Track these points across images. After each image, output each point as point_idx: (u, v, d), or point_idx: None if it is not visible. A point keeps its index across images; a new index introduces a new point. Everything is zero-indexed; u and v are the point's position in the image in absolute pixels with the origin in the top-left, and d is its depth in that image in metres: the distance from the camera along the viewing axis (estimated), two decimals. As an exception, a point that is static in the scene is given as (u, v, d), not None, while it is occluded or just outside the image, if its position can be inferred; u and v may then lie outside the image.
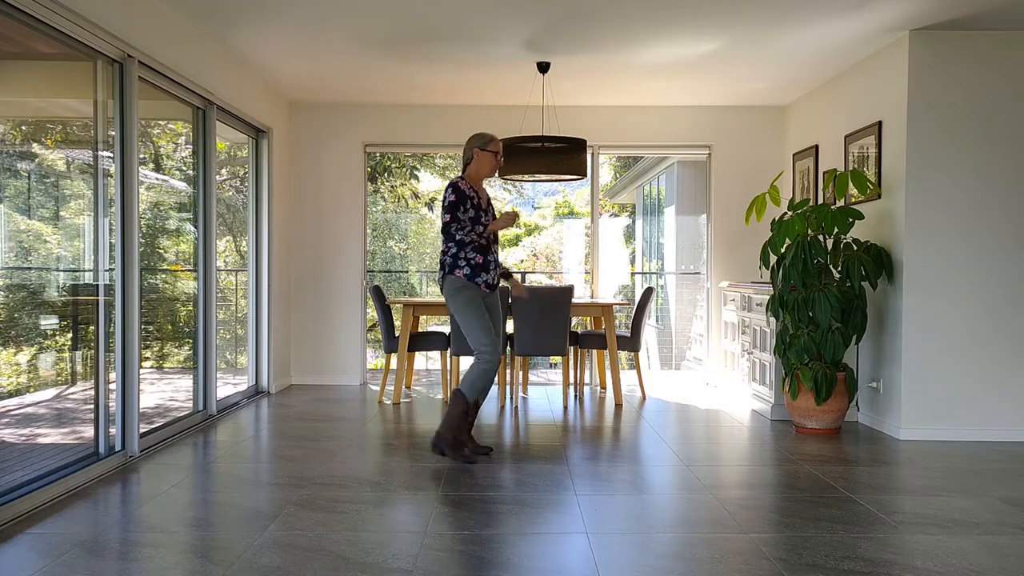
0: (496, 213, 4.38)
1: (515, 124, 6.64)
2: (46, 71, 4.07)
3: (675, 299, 10.87)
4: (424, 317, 7.40)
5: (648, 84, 6.12)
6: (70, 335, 4.05)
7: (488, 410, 5.71)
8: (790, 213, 5.01)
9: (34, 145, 4.06)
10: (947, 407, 4.78)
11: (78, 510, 3.28)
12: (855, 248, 4.89)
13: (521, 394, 6.34)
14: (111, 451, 4.02)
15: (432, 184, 13.24)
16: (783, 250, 4.97)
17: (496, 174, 4.56)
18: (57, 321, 4.01)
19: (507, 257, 14.90)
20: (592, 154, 6.91)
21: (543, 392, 6.61)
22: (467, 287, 4.17)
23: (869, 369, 5.20)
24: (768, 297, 5.16)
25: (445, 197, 4.17)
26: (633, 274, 13.33)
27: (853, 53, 5.23)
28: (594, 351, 6.63)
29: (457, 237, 4.13)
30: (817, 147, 6.12)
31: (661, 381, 7.32)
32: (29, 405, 3.94)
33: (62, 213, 4.13)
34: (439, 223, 4.31)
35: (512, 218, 4.16)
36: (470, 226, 4.13)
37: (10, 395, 3.81)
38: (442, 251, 4.22)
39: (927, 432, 4.76)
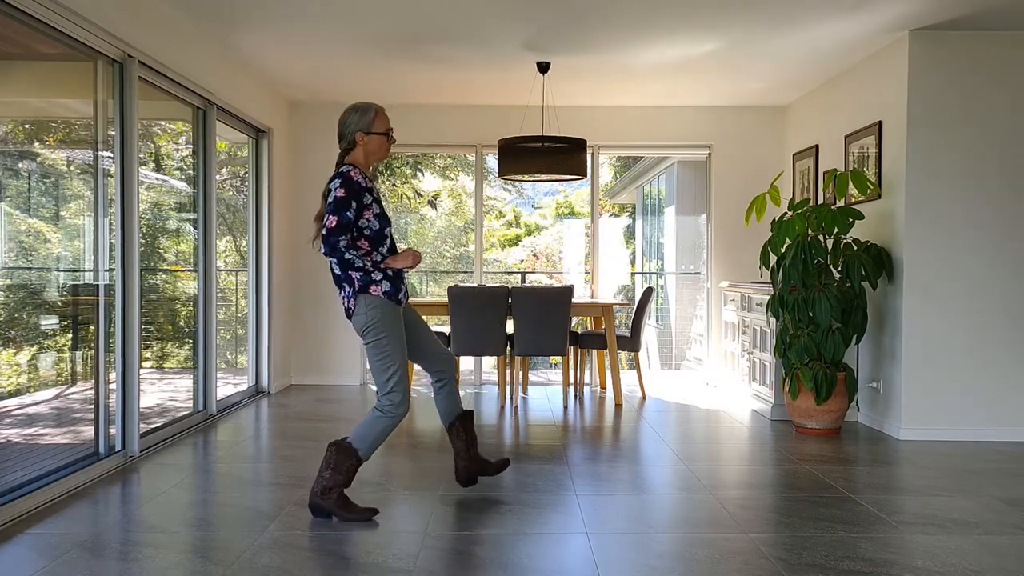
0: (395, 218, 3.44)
1: (515, 124, 6.64)
2: (46, 71, 4.07)
3: (675, 299, 10.87)
4: (424, 317, 7.39)
5: (648, 84, 6.12)
6: (70, 335, 4.05)
7: (488, 410, 5.72)
8: (790, 213, 5.01)
9: (35, 145, 4.07)
10: (947, 407, 4.78)
11: (78, 510, 3.28)
12: (855, 248, 4.89)
13: (521, 394, 6.34)
14: (111, 451, 4.02)
15: (432, 184, 13.24)
16: (783, 250, 4.97)
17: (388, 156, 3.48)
18: (57, 321, 4.02)
19: (507, 257, 14.89)
20: (592, 154, 6.91)
21: (543, 392, 6.61)
22: (386, 307, 3.16)
23: (869, 369, 5.19)
24: (768, 297, 5.16)
25: (331, 190, 3.15)
26: (633, 274, 13.34)
27: (853, 53, 5.23)
28: (594, 351, 6.63)
29: (346, 256, 3.09)
30: (817, 147, 6.12)
31: (661, 381, 7.32)
32: (29, 405, 3.94)
33: (62, 213, 4.14)
34: (328, 221, 3.11)
35: (417, 258, 3.26)
36: (371, 247, 3.20)
37: (10, 395, 3.81)
38: (338, 262, 3.13)
39: (927, 432, 4.76)
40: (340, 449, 3.17)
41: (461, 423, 3.54)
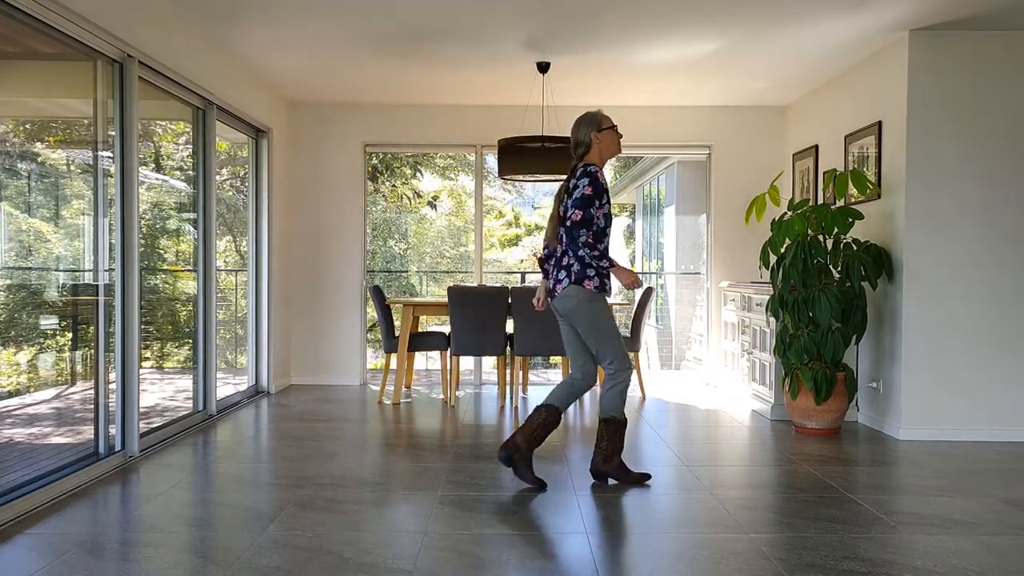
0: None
1: (515, 124, 6.64)
2: (46, 71, 4.07)
3: (675, 299, 10.87)
4: (424, 317, 7.40)
5: (648, 84, 6.12)
6: (70, 335, 4.05)
7: (488, 411, 5.72)
8: (790, 213, 5.01)
9: (35, 145, 4.06)
10: (947, 407, 4.78)
11: (78, 510, 3.28)
12: (855, 248, 4.89)
13: (521, 394, 6.34)
14: (111, 451, 4.02)
15: (433, 184, 13.23)
16: (783, 250, 4.97)
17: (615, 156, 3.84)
18: (57, 321, 4.01)
19: (507, 257, 14.88)
20: (592, 154, 6.89)
21: (543, 392, 6.61)
22: (596, 297, 3.60)
23: (869, 369, 5.19)
24: (768, 297, 5.16)
25: (578, 187, 3.52)
26: (633, 274, 13.32)
27: (853, 53, 5.23)
28: (594, 351, 6.62)
29: (580, 252, 3.53)
30: (817, 147, 6.12)
31: (661, 381, 7.32)
32: (29, 405, 3.94)
33: (62, 213, 4.13)
34: (573, 214, 3.47)
35: (635, 282, 3.60)
36: (595, 242, 3.53)
37: (10, 395, 3.81)
38: (574, 254, 3.57)
39: (927, 432, 4.76)
40: (608, 423, 3.70)
41: (547, 411, 3.70)
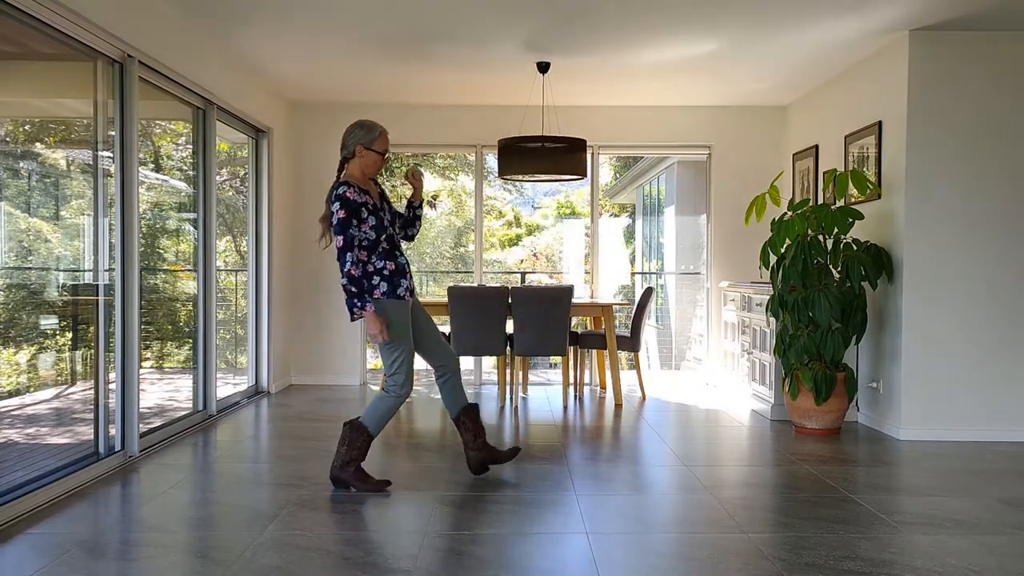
0: (398, 206, 3.79)
1: (515, 124, 6.64)
2: (46, 71, 4.07)
3: (675, 299, 10.87)
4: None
5: (648, 84, 6.12)
6: (70, 335, 4.05)
7: (488, 410, 5.72)
8: (790, 213, 5.01)
9: (35, 145, 4.07)
10: (947, 407, 4.78)
11: (78, 510, 3.28)
12: (855, 248, 4.89)
13: (521, 394, 6.34)
14: (111, 451, 4.02)
15: (433, 184, 13.23)
16: (783, 250, 4.97)
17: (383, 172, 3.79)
18: (57, 321, 4.02)
19: (507, 257, 14.89)
20: (592, 154, 6.91)
21: (543, 392, 6.61)
22: (391, 306, 3.51)
23: (869, 369, 5.20)
24: (768, 297, 5.16)
25: (332, 213, 3.44)
26: (633, 274, 13.34)
27: (853, 53, 5.23)
28: (594, 351, 6.63)
29: (352, 273, 3.40)
30: (817, 147, 6.12)
31: (661, 381, 7.32)
32: (29, 405, 3.94)
33: (62, 213, 4.14)
34: (337, 240, 3.45)
35: (418, 177, 3.77)
36: (368, 253, 3.50)
37: (10, 395, 3.81)
38: (345, 277, 3.42)
39: (927, 432, 4.76)
40: (353, 427, 3.56)
41: (467, 415, 3.75)
